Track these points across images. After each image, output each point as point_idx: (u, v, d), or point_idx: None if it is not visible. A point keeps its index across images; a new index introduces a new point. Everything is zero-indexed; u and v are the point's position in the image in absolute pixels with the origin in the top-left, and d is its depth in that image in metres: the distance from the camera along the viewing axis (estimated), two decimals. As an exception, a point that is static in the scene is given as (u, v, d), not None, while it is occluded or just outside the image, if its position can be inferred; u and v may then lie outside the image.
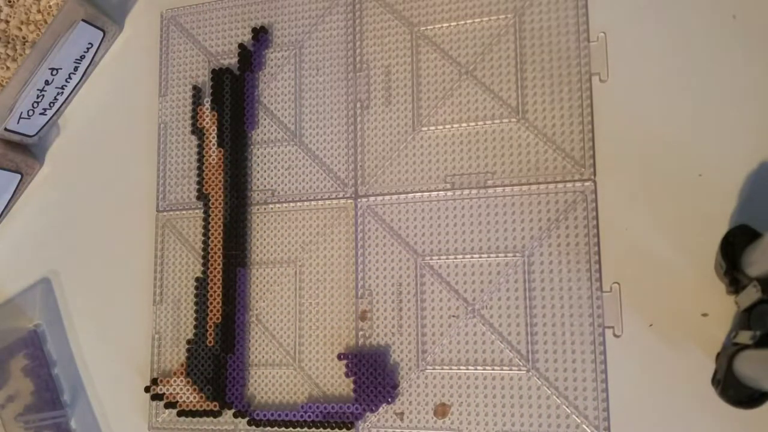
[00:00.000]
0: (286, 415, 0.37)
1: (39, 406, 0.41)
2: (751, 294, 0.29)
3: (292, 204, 0.40)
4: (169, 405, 0.39)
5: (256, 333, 0.39)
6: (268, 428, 0.38)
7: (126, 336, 0.42)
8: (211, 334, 0.39)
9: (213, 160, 0.41)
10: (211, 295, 0.39)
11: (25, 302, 0.44)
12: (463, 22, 0.38)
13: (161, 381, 0.40)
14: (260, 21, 0.42)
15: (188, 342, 0.40)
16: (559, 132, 0.36)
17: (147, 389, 0.40)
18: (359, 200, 0.39)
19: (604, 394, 0.33)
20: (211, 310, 0.39)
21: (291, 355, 0.39)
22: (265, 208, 0.40)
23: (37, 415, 0.41)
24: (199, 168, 0.41)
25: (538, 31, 0.37)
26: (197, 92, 0.42)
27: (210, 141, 0.41)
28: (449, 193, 0.37)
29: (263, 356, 0.39)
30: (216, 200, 0.40)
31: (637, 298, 0.33)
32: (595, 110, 0.35)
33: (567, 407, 0.33)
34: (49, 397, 0.42)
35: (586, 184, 0.35)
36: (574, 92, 0.36)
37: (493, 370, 0.35)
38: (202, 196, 0.41)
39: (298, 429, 0.37)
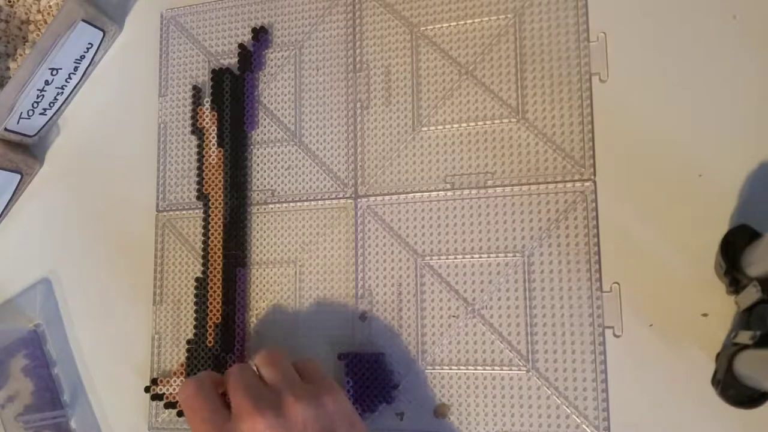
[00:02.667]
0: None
1: (39, 406, 0.41)
2: (751, 294, 0.29)
3: (292, 204, 0.40)
4: (169, 405, 0.39)
5: (256, 333, 0.39)
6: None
7: (126, 336, 0.42)
8: (211, 334, 0.39)
9: (213, 160, 0.41)
10: (211, 295, 0.39)
11: (25, 302, 0.44)
12: (463, 22, 0.38)
13: (161, 381, 0.40)
14: (260, 21, 0.42)
15: (188, 342, 0.40)
16: (559, 132, 0.36)
17: (147, 389, 0.40)
18: (359, 200, 0.39)
19: (604, 394, 0.33)
20: (211, 310, 0.39)
21: (291, 356, 0.39)
22: (265, 208, 0.40)
23: (37, 415, 0.41)
24: (199, 168, 0.41)
25: (538, 31, 0.37)
26: (197, 92, 0.42)
27: (210, 141, 0.41)
28: (449, 193, 0.37)
29: (263, 356, 0.39)
30: (216, 200, 0.40)
31: (637, 298, 0.33)
32: (595, 110, 0.35)
33: (567, 407, 0.33)
34: (49, 397, 0.42)
35: (586, 184, 0.35)
36: (574, 92, 0.36)
37: (493, 370, 0.35)
38: (202, 196, 0.41)
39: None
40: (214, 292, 0.39)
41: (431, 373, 0.36)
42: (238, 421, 0.29)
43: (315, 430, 0.29)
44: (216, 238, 0.40)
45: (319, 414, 0.30)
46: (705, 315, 0.32)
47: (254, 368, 0.33)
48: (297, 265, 0.39)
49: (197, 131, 0.42)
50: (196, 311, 0.40)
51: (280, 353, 0.33)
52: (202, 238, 0.40)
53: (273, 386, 0.31)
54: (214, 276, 0.39)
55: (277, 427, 0.28)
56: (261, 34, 0.41)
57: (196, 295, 0.40)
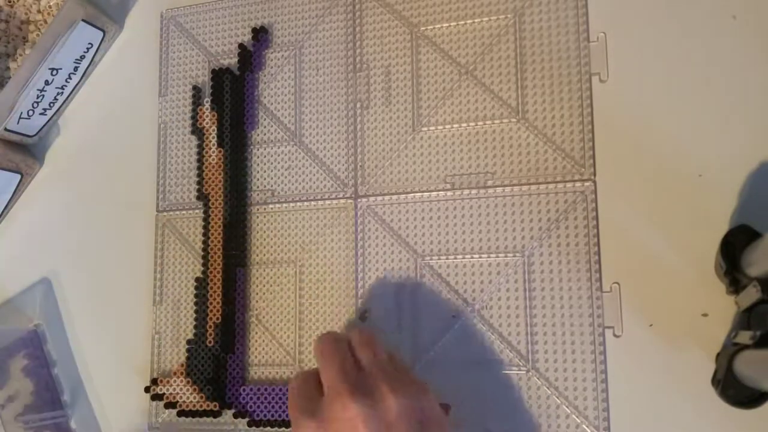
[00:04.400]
0: (287, 415, 0.37)
1: (39, 406, 0.41)
2: (751, 294, 0.29)
3: (292, 204, 0.40)
4: (169, 405, 0.39)
5: (256, 333, 0.39)
6: (269, 428, 0.38)
7: (126, 336, 0.42)
8: (211, 334, 0.39)
9: (213, 160, 0.41)
10: (211, 295, 0.39)
11: (25, 302, 0.44)
12: (463, 22, 0.38)
13: (161, 381, 0.40)
14: (260, 21, 0.42)
15: (188, 342, 0.40)
16: (559, 132, 0.36)
17: (147, 389, 0.40)
18: (359, 200, 0.39)
19: (604, 394, 0.33)
20: (211, 310, 0.39)
21: (291, 355, 0.39)
22: (265, 208, 0.40)
23: (37, 415, 0.41)
24: (199, 168, 0.41)
25: (538, 31, 0.37)
26: (197, 92, 0.42)
27: (210, 141, 0.41)
28: (449, 193, 0.37)
29: (263, 356, 0.39)
30: (216, 200, 0.40)
31: (637, 298, 0.33)
32: (595, 110, 0.35)
33: (567, 407, 0.33)
34: (49, 397, 0.42)
35: (586, 184, 0.35)
36: (574, 92, 0.36)
37: (493, 370, 0.35)
38: (202, 196, 0.41)
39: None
40: (214, 292, 0.39)
41: (431, 373, 0.36)
42: (332, 402, 0.28)
43: (407, 423, 0.28)
44: (216, 238, 0.40)
45: (413, 408, 0.29)
46: (705, 315, 0.32)
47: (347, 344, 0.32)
48: (297, 265, 0.39)
49: (197, 131, 0.42)
50: (196, 311, 0.40)
51: (376, 336, 0.33)
52: (202, 238, 0.40)
53: (368, 371, 0.30)
54: (214, 276, 0.39)
55: (371, 415, 0.28)
56: (261, 34, 0.41)
57: (196, 295, 0.40)
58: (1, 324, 0.45)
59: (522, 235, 0.35)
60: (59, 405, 0.42)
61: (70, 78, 0.44)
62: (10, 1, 0.45)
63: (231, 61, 0.42)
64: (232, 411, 0.38)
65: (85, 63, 0.44)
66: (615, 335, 0.33)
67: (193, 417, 0.39)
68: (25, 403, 0.41)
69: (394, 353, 0.33)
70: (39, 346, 0.43)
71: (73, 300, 0.44)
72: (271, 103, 0.41)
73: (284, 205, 0.40)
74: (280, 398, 0.38)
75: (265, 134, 0.41)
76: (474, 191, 0.37)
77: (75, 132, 0.46)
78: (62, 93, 0.44)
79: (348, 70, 0.40)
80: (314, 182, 0.40)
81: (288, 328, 0.39)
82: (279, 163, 0.41)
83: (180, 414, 0.39)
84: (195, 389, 0.39)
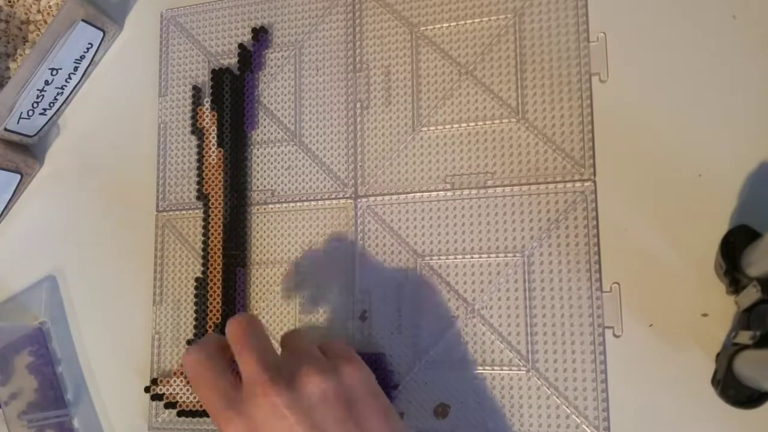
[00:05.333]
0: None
1: (42, 405, 0.41)
2: (751, 294, 0.29)
3: (292, 204, 0.40)
4: (169, 405, 0.39)
5: (257, 333, 0.39)
6: (269, 428, 0.38)
7: (126, 336, 0.42)
8: (211, 334, 0.39)
9: (213, 160, 0.41)
10: (211, 295, 0.39)
11: (30, 300, 0.44)
12: (463, 22, 0.38)
13: (161, 381, 0.40)
14: (260, 21, 0.42)
15: (188, 342, 0.40)
16: (559, 132, 0.36)
17: (147, 389, 0.40)
18: (359, 200, 0.39)
19: (604, 394, 0.33)
20: (211, 310, 0.39)
21: (291, 355, 0.39)
22: (265, 208, 0.40)
23: (41, 414, 0.41)
24: (199, 168, 0.41)
25: (538, 31, 0.37)
26: (197, 92, 0.42)
27: (210, 141, 0.41)
28: (449, 193, 0.37)
29: (263, 356, 0.39)
30: (216, 200, 0.40)
31: (637, 298, 0.33)
32: (595, 110, 0.35)
33: (567, 407, 0.33)
34: (52, 396, 0.42)
35: (586, 184, 0.35)
36: (574, 92, 0.36)
37: (492, 370, 0.35)
38: (202, 196, 0.41)
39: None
40: (214, 292, 0.39)
41: (431, 373, 0.36)
42: (252, 394, 0.27)
43: (335, 403, 0.27)
44: (216, 238, 0.40)
45: (339, 385, 0.27)
46: (705, 315, 0.32)
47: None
48: (297, 265, 0.39)
49: (197, 131, 0.42)
50: (196, 311, 0.40)
51: (304, 329, 0.33)
52: (202, 238, 0.40)
53: (291, 354, 0.29)
54: (214, 276, 0.39)
55: (295, 400, 0.26)
56: (261, 34, 0.41)
57: (196, 295, 0.40)
58: (7, 321, 0.45)
59: (522, 235, 0.35)
60: (63, 404, 0.42)
61: (70, 78, 0.44)
62: (10, 1, 0.45)
63: (231, 61, 0.42)
64: (233, 411, 0.38)
65: (85, 63, 0.44)
66: (615, 335, 0.33)
67: (193, 417, 0.39)
68: (28, 401, 0.41)
69: (333, 341, 0.31)
70: (44, 343, 0.43)
71: (73, 300, 0.44)
72: (271, 103, 0.41)
73: (284, 205, 0.40)
74: None
75: (265, 134, 0.41)
76: (474, 191, 0.37)
77: (75, 132, 0.46)
78: (62, 93, 0.44)
79: (348, 70, 0.40)
80: (314, 182, 0.40)
81: (288, 328, 0.39)
82: (279, 163, 0.41)
83: (180, 414, 0.39)
84: (195, 389, 0.39)
